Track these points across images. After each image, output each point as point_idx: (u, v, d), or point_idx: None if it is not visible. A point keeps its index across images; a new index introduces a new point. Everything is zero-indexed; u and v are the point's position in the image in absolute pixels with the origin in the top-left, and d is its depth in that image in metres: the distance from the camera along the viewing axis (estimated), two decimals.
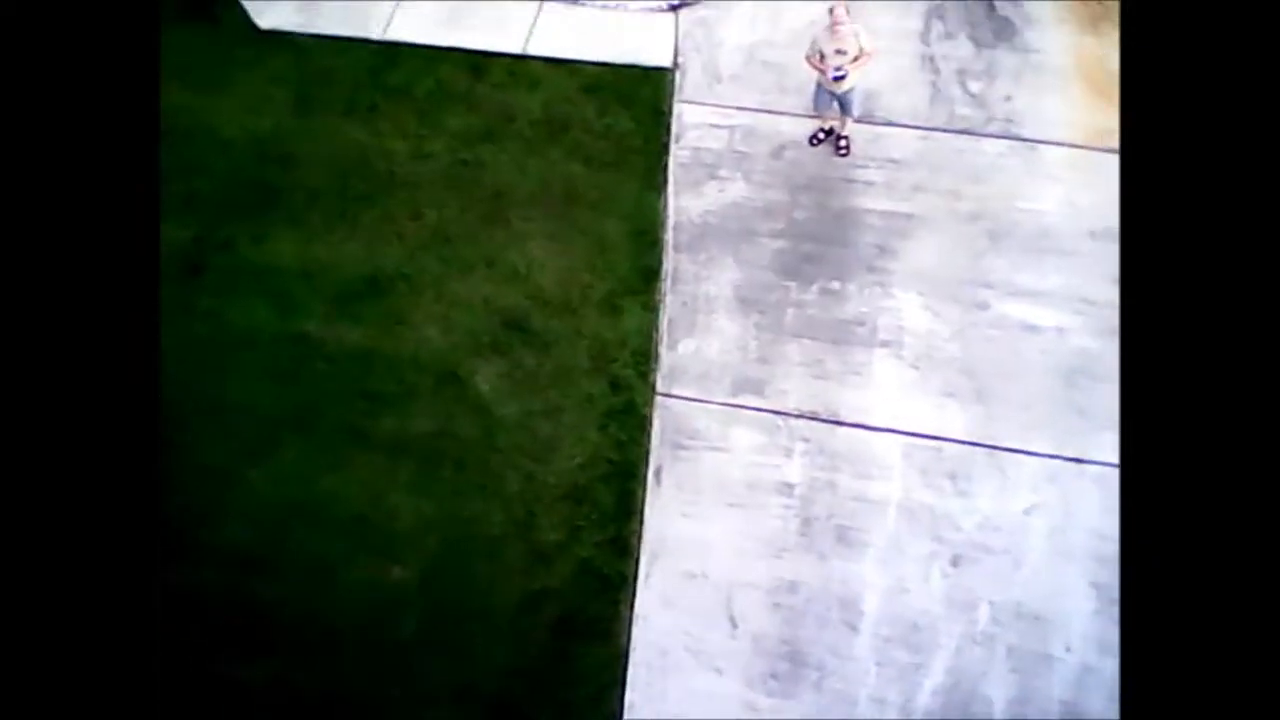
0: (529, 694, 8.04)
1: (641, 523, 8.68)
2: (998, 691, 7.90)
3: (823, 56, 9.61)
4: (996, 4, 11.23)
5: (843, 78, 9.63)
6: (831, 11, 9.50)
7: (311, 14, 11.71)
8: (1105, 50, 10.79)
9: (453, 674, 8.14)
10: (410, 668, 8.19)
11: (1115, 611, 8.02)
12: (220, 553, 8.81)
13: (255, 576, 8.68)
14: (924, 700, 7.91)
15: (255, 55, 11.50)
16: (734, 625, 8.25)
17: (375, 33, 11.53)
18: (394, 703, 8.09)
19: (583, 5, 11.54)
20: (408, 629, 8.34)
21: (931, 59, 10.90)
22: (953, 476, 8.60)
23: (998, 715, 7.83)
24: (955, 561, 8.30)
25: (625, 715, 7.96)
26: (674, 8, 11.48)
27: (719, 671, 8.08)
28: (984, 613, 8.15)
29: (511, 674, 8.12)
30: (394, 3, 11.71)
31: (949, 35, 11.06)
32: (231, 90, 11.28)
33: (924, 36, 11.06)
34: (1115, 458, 8.45)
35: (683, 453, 9.03)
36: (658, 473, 8.92)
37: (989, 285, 9.49)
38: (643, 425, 9.14)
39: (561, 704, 8.01)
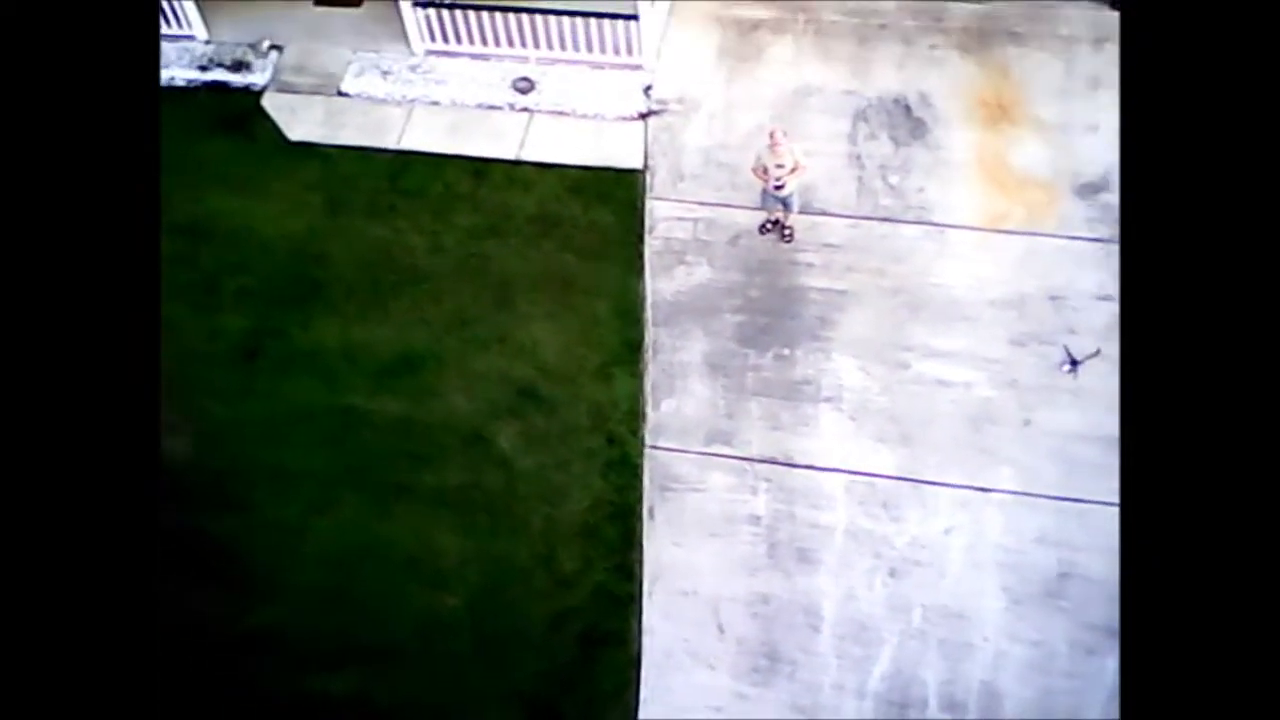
0: (561, 693, 10.12)
1: (641, 552, 10.77)
2: (931, 675, 10.09)
3: (766, 170, 11.76)
4: (912, 107, 13.35)
5: (782, 186, 11.79)
6: (771, 134, 11.64)
7: (335, 127, 13.65)
8: (1001, 145, 13.00)
9: (499, 680, 10.19)
10: (464, 677, 10.21)
11: (1020, 608, 10.25)
12: (300, 591, 10.77)
13: (331, 608, 10.64)
14: (874, 684, 10.09)
15: (288, 165, 13.41)
16: (721, 631, 10.37)
17: (390, 143, 13.50)
18: (452, 705, 10.12)
19: (567, 116, 13.60)
20: (460, 645, 10.36)
21: (858, 157, 13.04)
22: (885, 505, 10.80)
23: (931, 694, 10.01)
24: (892, 573, 10.50)
25: (640, 706, 10.04)
26: (643, 116, 13.54)
27: (712, 668, 10.21)
28: (917, 614, 10.34)
29: (546, 678, 10.17)
30: (405, 117, 13.70)
31: (873, 135, 13.18)
32: (269, 196, 13.18)
33: (852, 137, 13.16)
34: (1013, 486, 10.71)
35: (670, 494, 11.13)
36: (651, 511, 11.01)
37: (909, 349, 11.67)
38: (636, 472, 11.21)
39: (588, 700, 10.08)
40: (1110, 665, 9.96)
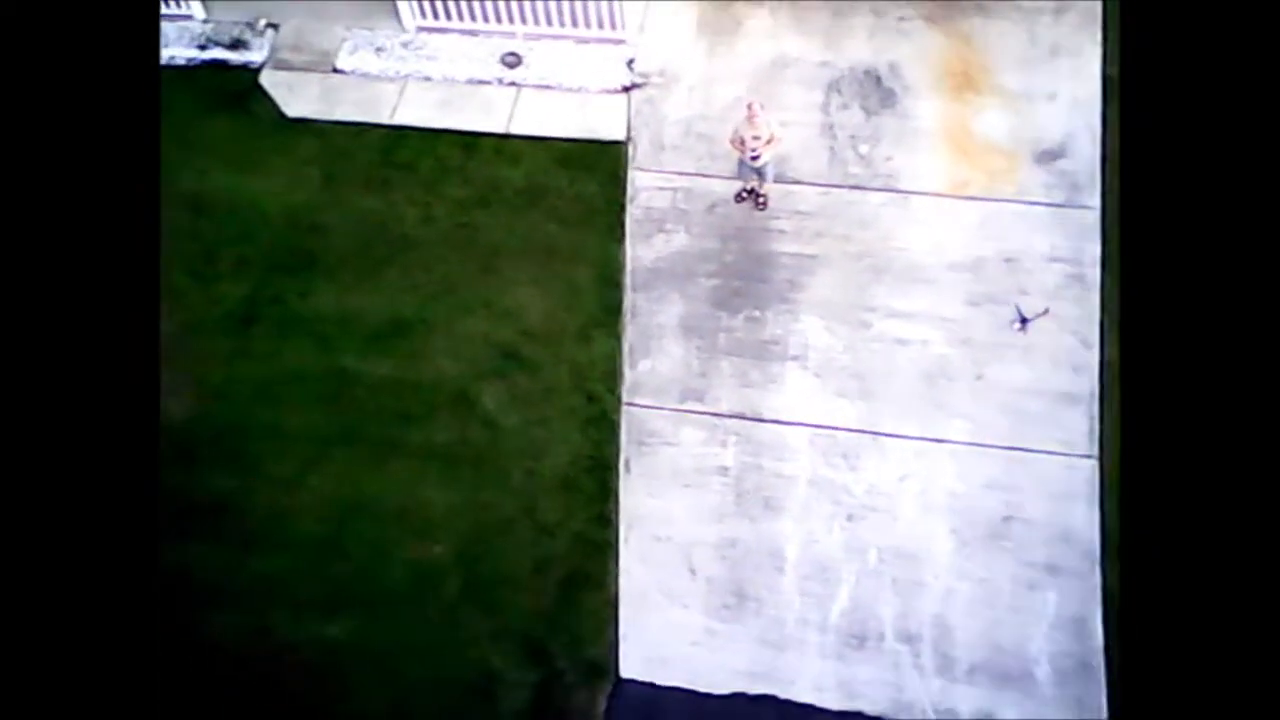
0: (548, 631, 10.89)
1: (618, 502, 11.50)
2: (886, 610, 10.82)
3: (743, 141, 12.38)
4: (882, 78, 13.90)
5: (758, 157, 12.42)
6: (749, 107, 12.26)
7: (330, 103, 14.28)
8: (966, 114, 13.57)
9: (489, 622, 10.96)
10: (457, 619, 10.97)
11: (968, 549, 10.97)
12: (297, 542, 11.52)
13: (327, 558, 11.40)
14: (834, 619, 10.83)
15: (285, 141, 14.04)
16: (693, 573, 11.12)
17: (384, 118, 14.10)
18: (446, 645, 10.88)
19: (553, 90, 14.20)
20: (451, 590, 11.12)
21: (830, 126, 13.60)
22: (845, 456, 11.50)
23: (887, 627, 10.75)
24: (850, 518, 11.21)
25: (620, 642, 10.80)
26: (626, 89, 14.15)
27: (685, 607, 10.96)
28: (873, 555, 11.06)
29: (533, 618, 10.93)
30: (398, 92, 14.34)
31: (845, 106, 13.72)
32: (268, 171, 13.83)
33: (825, 108, 13.71)
34: (964, 437, 11.41)
35: (645, 448, 11.84)
36: (627, 464, 11.73)
37: (872, 309, 12.31)
38: (614, 428, 11.91)
39: (573, 637, 10.86)
40: (1050, 599, 10.69)
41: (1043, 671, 10.54)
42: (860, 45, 14.13)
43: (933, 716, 10.45)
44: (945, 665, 10.62)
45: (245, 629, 11.12)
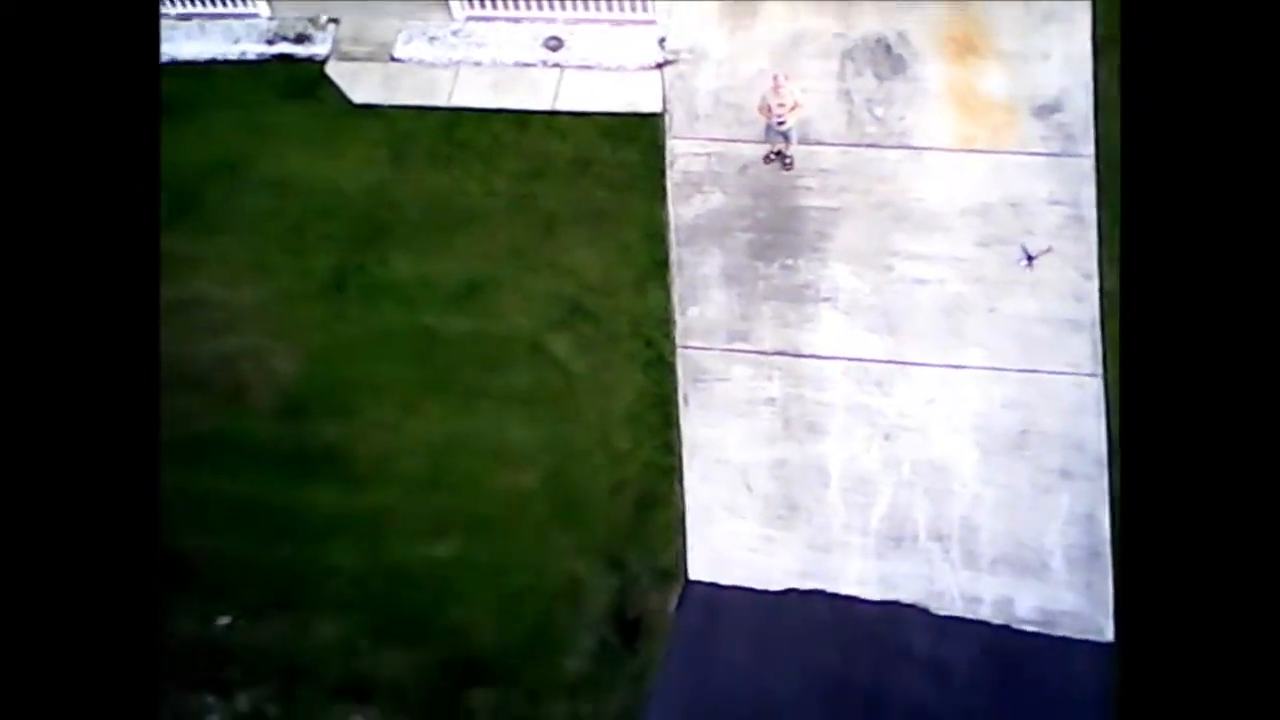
0: (625, 544, 12.51)
1: (679, 431, 13.07)
2: (919, 514, 12.43)
3: (769, 108, 13.88)
4: (891, 46, 15.28)
5: (783, 122, 13.92)
6: (774, 78, 13.76)
7: (392, 89, 15.71)
8: (969, 75, 15.02)
9: (573, 538, 12.58)
10: (545, 537, 12.59)
11: (990, 459, 12.55)
12: (401, 478, 13.12)
13: (429, 491, 13.00)
14: (874, 524, 12.43)
15: (354, 125, 15.49)
16: (749, 490, 12.73)
17: (442, 101, 15.54)
18: (537, 559, 12.51)
19: (593, 69, 15.66)
20: (540, 513, 12.73)
21: (847, 92, 15.02)
22: (878, 384, 13.08)
23: (921, 529, 12.36)
24: (886, 437, 12.81)
25: (688, 550, 12.43)
26: (659, 66, 15.60)
27: (743, 519, 12.58)
28: (907, 468, 12.66)
29: (611, 533, 12.55)
30: (453, 77, 15.80)
31: (859, 73, 15.14)
32: (341, 153, 15.28)
33: (841, 75, 15.12)
34: (982, 363, 12.97)
35: (700, 384, 13.41)
36: (685, 398, 13.30)
37: (893, 254, 13.80)
38: (671, 369, 13.45)
39: (646, 548, 12.48)
40: (1064, 500, 12.29)
41: (1057, 562, 12.15)
42: (870, 17, 15.51)
43: (961, 602, 12.07)
44: (971, 559, 12.23)
45: (363, 554, 12.73)
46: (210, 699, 12.33)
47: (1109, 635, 11.75)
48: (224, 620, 12.74)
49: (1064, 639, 11.76)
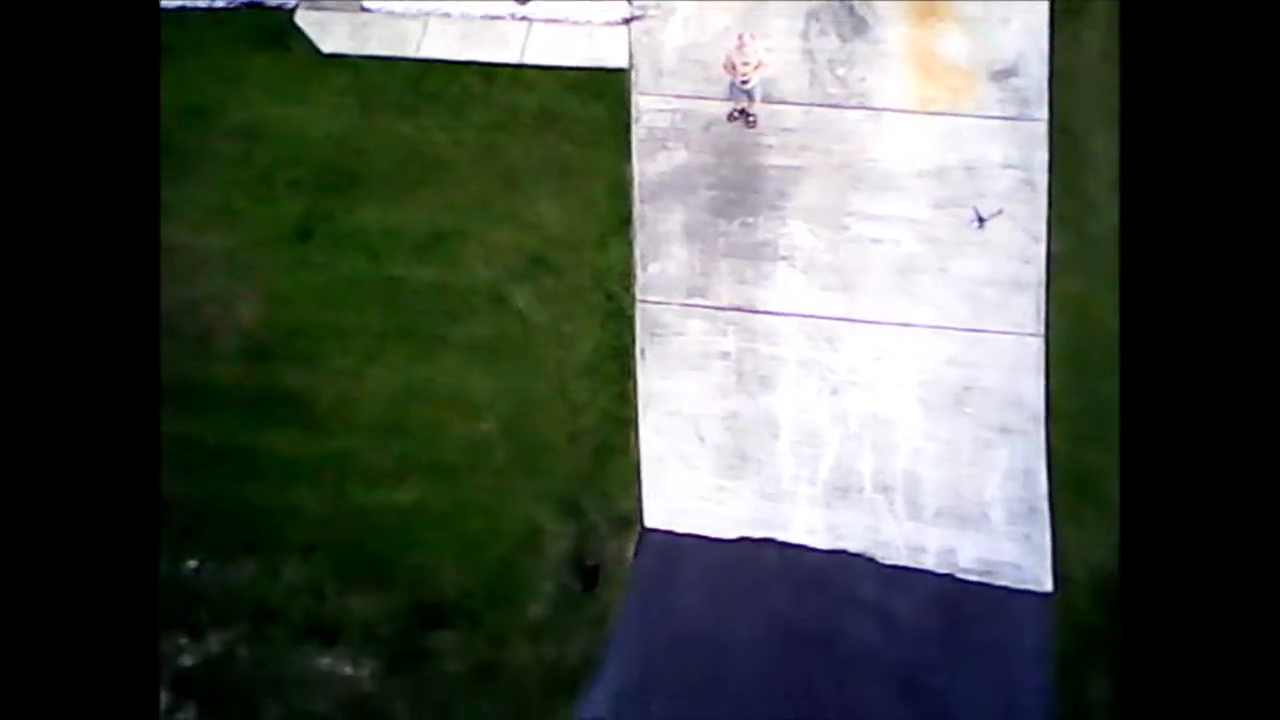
0: (582, 490, 12.93)
1: (636, 384, 13.44)
2: (865, 466, 12.88)
3: (734, 67, 14.13)
4: (856, 6, 15.50)
5: (747, 81, 14.18)
6: (739, 37, 13.99)
7: (361, 40, 15.81)
8: (930, 39, 15.25)
9: (533, 485, 12.97)
10: (505, 484, 12.97)
11: (934, 415, 12.98)
12: (363, 425, 13.44)
13: (390, 438, 13.33)
14: (822, 475, 12.89)
15: (323, 74, 15.58)
16: (702, 441, 13.14)
17: (410, 52, 15.64)
18: (498, 506, 12.90)
19: (561, 23, 15.81)
20: (499, 460, 13.10)
21: (810, 52, 15.23)
22: (829, 340, 13.48)
23: (866, 481, 12.81)
24: (834, 392, 13.23)
25: (643, 498, 12.84)
26: (626, 21, 15.75)
27: (696, 469, 13.00)
28: (854, 422, 13.10)
29: (569, 479, 12.95)
30: (422, 28, 15.92)
31: (823, 33, 15.28)
32: (310, 101, 15.39)
33: (805, 34, 15.28)
34: (930, 321, 13.37)
35: (657, 338, 13.76)
36: (643, 351, 13.66)
37: (850, 214, 14.14)
38: (630, 322, 13.79)
39: (604, 495, 12.91)
40: (1003, 454, 12.78)
41: (996, 514, 12.65)
42: None
43: (905, 552, 12.56)
44: (915, 511, 12.70)
45: (326, 498, 13.08)
46: (182, 640, 12.67)
47: (1047, 586, 12.26)
48: (192, 563, 13.05)
49: (1005, 588, 12.26)
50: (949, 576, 12.44)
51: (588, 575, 12.77)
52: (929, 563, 12.53)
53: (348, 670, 12.52)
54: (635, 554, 12.76)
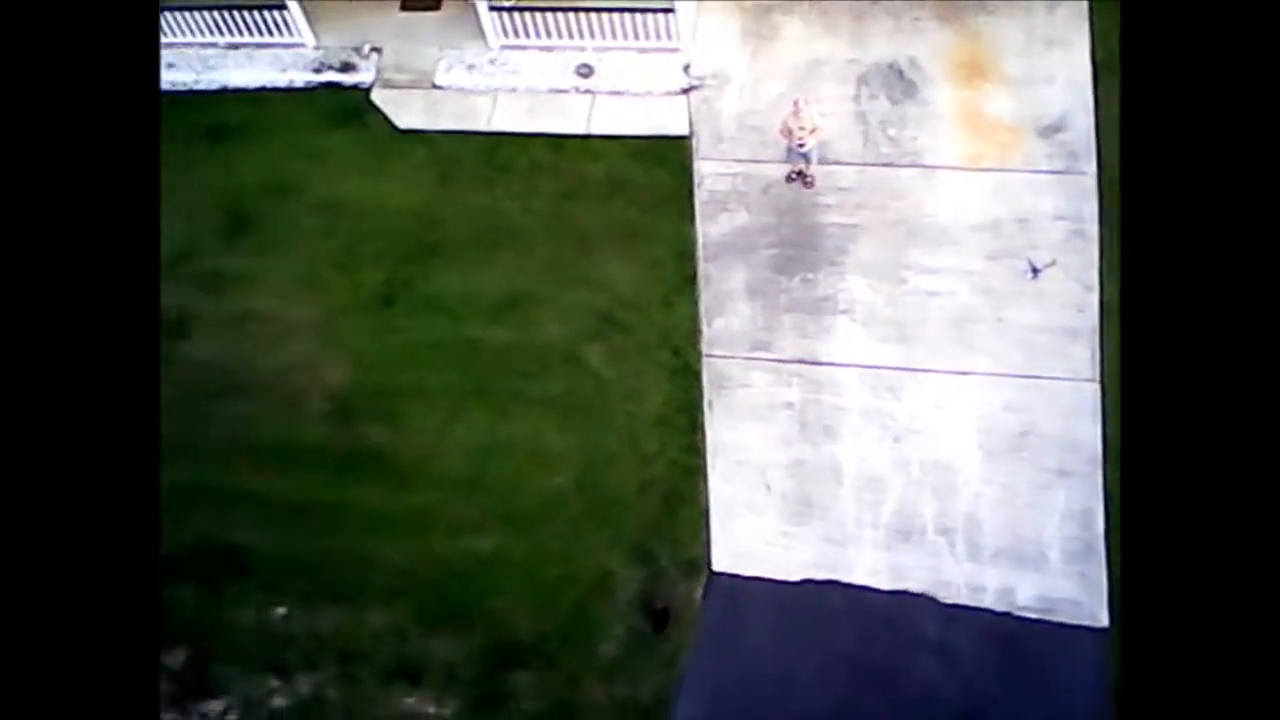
0: (653, 538, 13.48)
1: (704, 435, 14.03)
2: (927, 510, 13.32)
3: (790, 131, 14.84)
4: (903, 71, 16.23)
5: (804, 144, 14.87)
6: (795, 103, 14.70)
7: (435, 115, 16.78)
8: (977, 98, 15.90)
9: (605, 533, 13.55)
10: (580, 532, 13.56)
11: (992, 459, 13.41)
12: (445, 479, 14.12)
13: (471, 491, 14.00)
14: (885, 519, 13.34)
15: (400, 149, 16.54)
16: (768, 489, 13.67)
17: (482, 125, 16.59)
18: (572, 553, 13.48)
19: (623, 95, 16.66)
20: (574, 510, 13.71)
21: (863, 115, 15.94)
22: (890, 389, 13.99)
23: (928, 524, 13.25)
24: (895, 439, 13.72)
25: (711, 544, 13.38)
26: (685, 91, 16.59)
27: (762, 515, 13.52)
28: (915, 468, 13.56)
29: (640, 527, 13.52)
30: (491, 103, 16.84)
31: (873, 96, 16.07)
32: (388, 175, 16.34)
33: (857, 99, 16.04)
34: (987, 369, 13.85)
35: (723, 390, 14.36)
36: (710, 404, 14.26)
37: (907, 268, 14.72)
38: (696, 376, 14.41)
39: (673, 542, 13.45)
40: (1061, 496, 13.15)
41: (1054, 554, 13.01)
42: (882, 44, 16.48)
43: (966, 591, 12.95)
44: (975, 552, 13.10)
45: (409, 549, 13.75)
46: (274, 682, 13.36)
47: (1104, 621, 12.58)
48: (281, 610, 13.75)
49: (1062, 624, 12.60)
50: (1008, 614, 12.79)
51: (658, 618, 13.26)
52: (989, 601, 12.89)
53: (431, 710, 13.12)
54: (704, 597, 13.25)
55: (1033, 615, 12.70)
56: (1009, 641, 12.59)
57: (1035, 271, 14.43)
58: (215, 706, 13.43)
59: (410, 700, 13.19)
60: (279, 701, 13.35)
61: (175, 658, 13.55)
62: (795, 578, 13.23)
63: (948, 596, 12.89)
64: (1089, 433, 13.43)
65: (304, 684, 13.38)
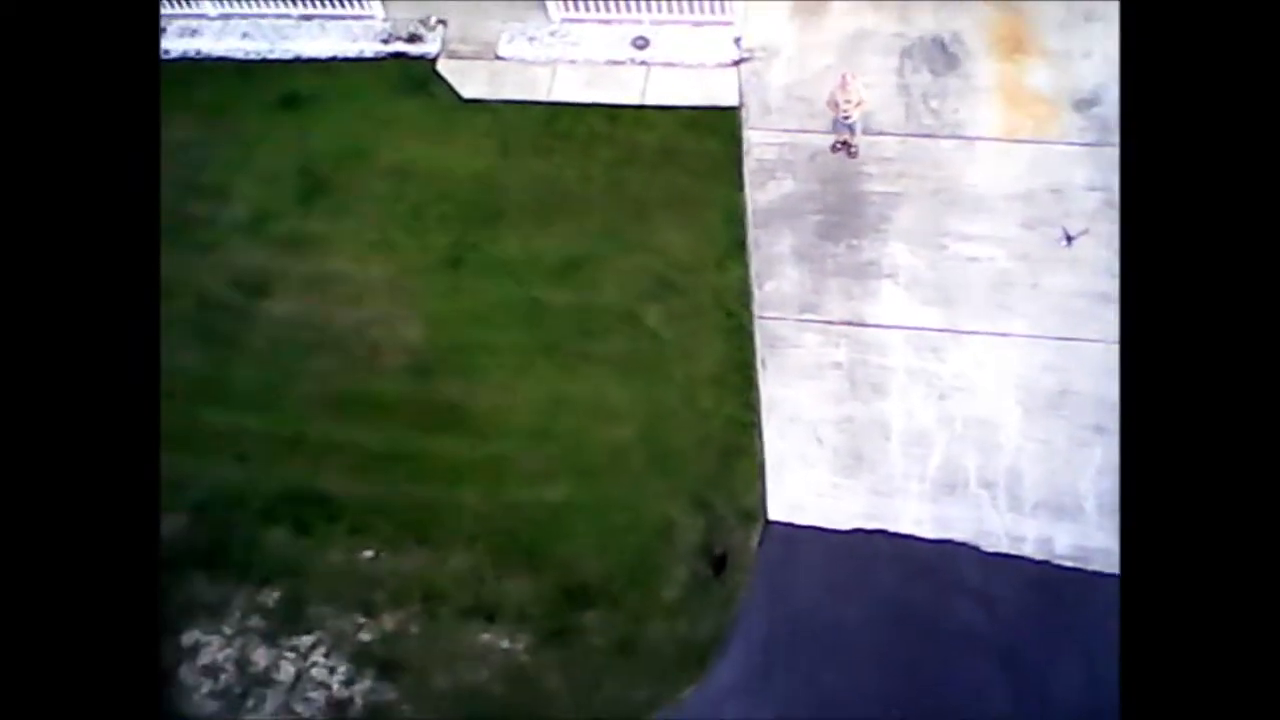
0: (712, 488, 14.41)
1: (758, 392, 14.94)
2: (970, 464, 14.23)
3: (836, 104, 15.65)
4: (946, 44, 17.06)
5: (849, 116, 15.69)
6: (843, 77, 15.51)
7: (497, 85, 17.59)
8: (1018, 72, 16.72)
9: (667, 483, 14.48)
10: (643, 483, 14.49)
11: (1032, 416, 14.31)
12: (517, 432, 15.03)
13: (540, 442, 14.93)
14: (931, 473, 14.26)
15: (465, 117, 17.39)
16: (820, 444, 14.61)
17: (542, 95, 17.42)
18: (636, 502, 14.43)
19: (676, 66, 17.46)
20: (637, 462, 14.65)
21: (906, 87, 16.79)
22: (934, 349, 14.88)
23: (971, 477, 14.18)
24: (940, 397, 14.63)
25: (766, 495, 14.35)
26: (736, 63, 17.38)
27: (814, 468, 14.46)
28: (959, 424, 14.47)
29: (699, 478, 14.46)
30: (551, 74, 17.64)
31: (916, 69, 16.90)
32: (454, 142, 17.20)
33: (900, 71, 16.89)
34: (1025, 331, 14.72)
35: (775, 350, 15.26)
36: (763, 362, 15.16)
37: (947, 234, 15.57)
38: (750, 337, 15.30)
39: (731, 492, 14.38)
40: (1096, 452, 14.06)
41: (1090, 506, 13.92)
42: (927, 18, 17.28)
43: (1006, 541, 13.89)
44: (1015, 504, 14.02)
45: (485, 496, 14.72)
46: (361, 619, 14.37)
47: None
48: (368, 553, 14.75)
49: (1096, 573, 13.54)
50: (1046, 563, 13.72)
51: (716, 563, 14.21)
52: (1028, 550, 13.80)
53: (505, 644, 14.07)
54: (759, 544, 14.20)
55: (1069, 564, 13.62)
56: (1045, 588, 13.52)
57: (1069, 239, 15.26)
58: (306, 641, 14.41)
59: (486, 636, 14.16)
60: (365, 637, 14.35)
61: (269, 596, 14.59)
62: (845, 527, 14.17)
63: (989, 546, 13.83)
64: None
65: (388, 621, 14.36)
